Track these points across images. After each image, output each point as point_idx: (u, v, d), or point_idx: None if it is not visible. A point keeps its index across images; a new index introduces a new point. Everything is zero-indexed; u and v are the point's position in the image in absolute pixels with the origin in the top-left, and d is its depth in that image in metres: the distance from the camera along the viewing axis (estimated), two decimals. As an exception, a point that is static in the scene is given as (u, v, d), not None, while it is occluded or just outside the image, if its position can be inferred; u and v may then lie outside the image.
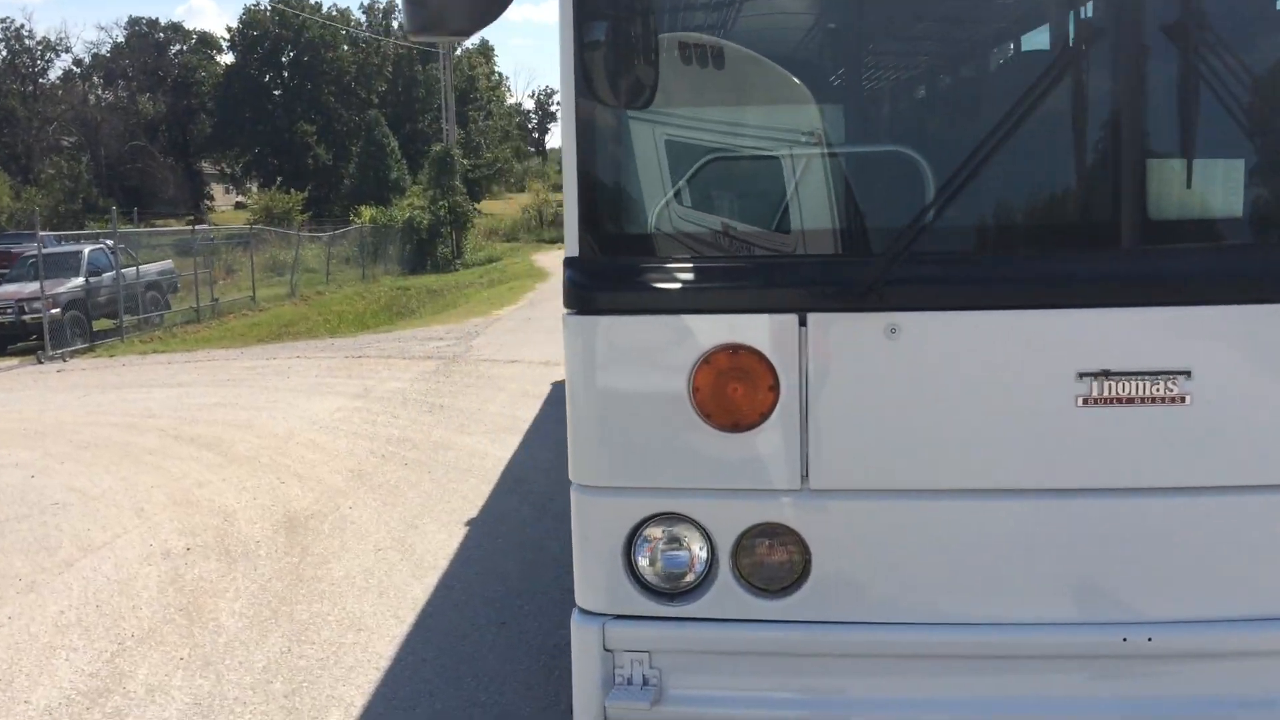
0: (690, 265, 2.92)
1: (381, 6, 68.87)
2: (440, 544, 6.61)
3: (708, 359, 2.87)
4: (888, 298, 2.77)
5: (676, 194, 3.04)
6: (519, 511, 7.27)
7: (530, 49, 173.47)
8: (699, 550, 2.99)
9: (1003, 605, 2.85)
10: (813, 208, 2.94)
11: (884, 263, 2.75)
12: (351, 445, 9.59)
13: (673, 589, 3.03)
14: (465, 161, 46.99)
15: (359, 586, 5.93)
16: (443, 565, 6.21)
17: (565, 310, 3.02)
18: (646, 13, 2.84)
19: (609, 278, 2.97)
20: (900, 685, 2.91)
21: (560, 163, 3.08)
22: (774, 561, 2.96)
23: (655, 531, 3.01)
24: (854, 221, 2.94)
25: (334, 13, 66.45)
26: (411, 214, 37.16)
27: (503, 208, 62.03)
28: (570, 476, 3.07)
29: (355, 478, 8.41)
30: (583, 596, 3.09)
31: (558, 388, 12.29)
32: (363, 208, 39.22)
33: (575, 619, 3.09)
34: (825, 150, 2.97)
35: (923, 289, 2.79)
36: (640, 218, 3.03)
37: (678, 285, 2.90)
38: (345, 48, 64.65)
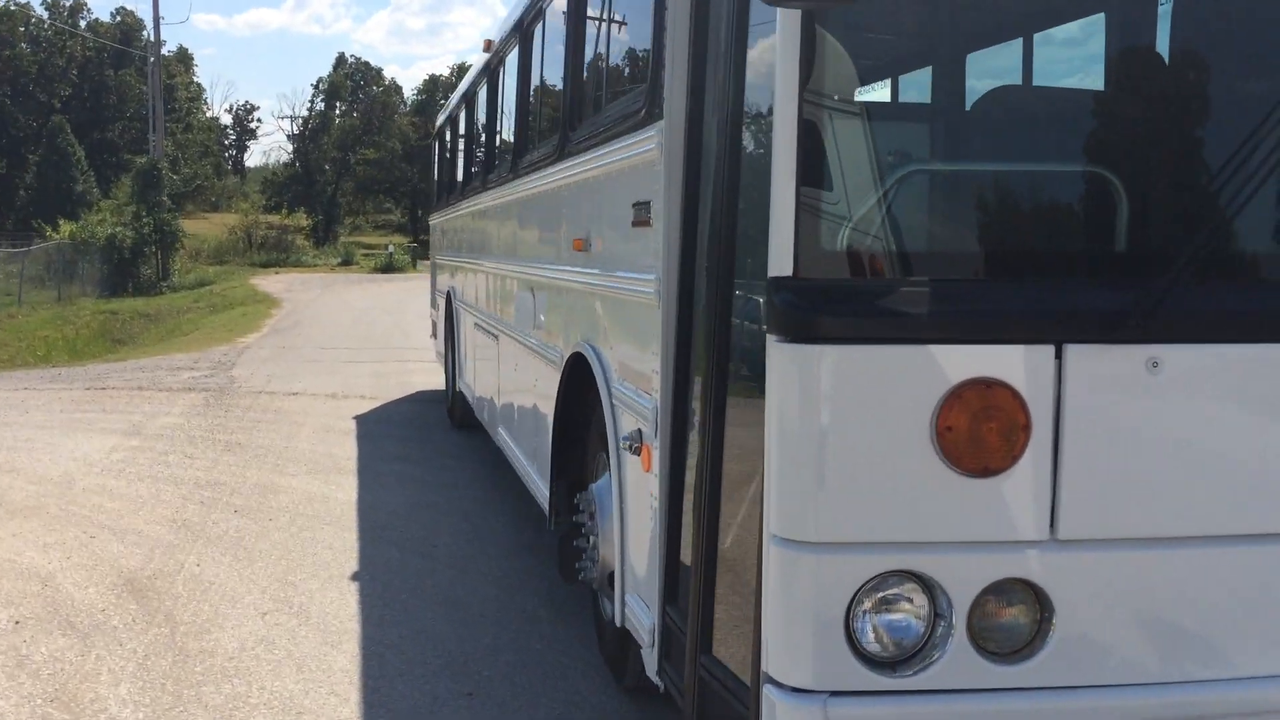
0: (933, 287, 2.58)
1: (67, 5, 62.98)
2: (335, 604, 5.81)
3: (957, 395, 2.53)
4: (1152, 329, 2.55)
5: (915, 204, 2.70)
6: (406, 562, 6.55)
7: (221, 59, 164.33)
8: (929, 612, 2.64)
9: (1268, 657, 2.67)
10: (1071, 228, 2.68)
11: (1156, 290, 2.52)
12: (155, 491, 8.39)
13: (896, 657, 2.65)
14: (174, 176, 43.62)
15: (267, 660, 5.07)
16: (355, 629, 5.44)
17: (774, 337, 2.60)
18: None
19: (837, 300, 2.58)
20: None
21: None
22: (1009, 621, 2.66)
23: (882, 592, 2.63)
24: (1117, 245, 2.69)
25: (12, 8, 60.12)
26: (114, 231, 34.01)
27: (205, 227, 58.03)
28: (772, 530, 2.64)
29: (182, 529, 7.32)
30: (784, 669, 2.66)
31: (363, 422, 11.39)
32: (62, 222, 35.44)
33: (776, 697, 2.65)
34: (1086, 168, 2.72)
35: (1190, 320, 2.58)
36: (872, 230, 2.66)
37: (922, 310, 2.55)
38: (24, 45, 58.59)
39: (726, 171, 3.05)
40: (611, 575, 4.57)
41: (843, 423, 2.58)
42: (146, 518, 7.61)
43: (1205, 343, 2.60)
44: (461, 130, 9.95)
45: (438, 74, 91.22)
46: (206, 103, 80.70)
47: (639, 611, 3.84)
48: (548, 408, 5.42)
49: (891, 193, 2.67)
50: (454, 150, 10.97)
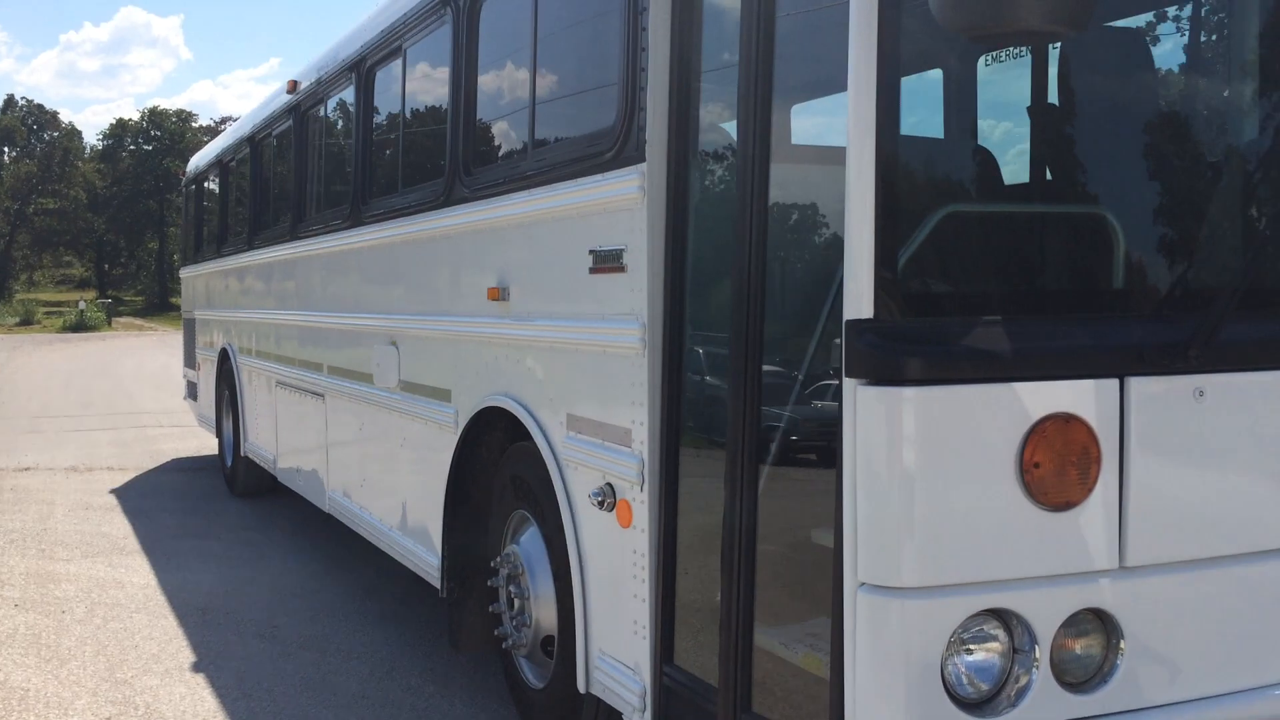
0: (1009, 325, 2.64)
1: None
2: (188, 700, 5.18)
3: (1040, 431, 2.60)
4: (1202, 359, 2.71)
5: (986, 242, 2.74)
6: (250, 646, 5.95)
7: None
8: (1009, 648, 2.67)
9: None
10: (1126, 263, 2.81)
11: (1207, 323, 2.69)
12: (-100, 592, 7.24)
13: (983, 698, 2.66)
14: None
15: (136, 772, 4.45)
16: (228, 727, 4.88)
17: (856, 380, 2.58)
18: None
19: (921, 341, 2.59)
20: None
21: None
22: (1085, 651, 2.73)
23: (971, 632, 2.63)
24: (1173, 278, 2.85)
25: None
26: None
27: None
28: (861, 579, 2.59)
29: (-43, 631, 6.35)
30: (877, 723, 2.60)
31: (124, 496, 10.34)
32: None
33: (872, 755, 2.59)
34: (1154, 208, 2.86)
35: (1229, 350, 2.77)
36: (945, 269, 2.69)
37: (1003, 347, 2.61)
38: None
39: (752, 217, 3.00)
40: (548, 639, 4.34)
41: (931, 464, 2.57)
42: (-95, 622, 6.55)
43: (1241, 370, 2.79)
44: (246, 175, 9.32)
45: (125, 118, 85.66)
46: None
47: (620, 676, 3.66)
48: (433, 469, 5.11)
49: (964, 231, 2.71)
50: (228, 198, 10.26)
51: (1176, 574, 2.76)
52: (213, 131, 67.63)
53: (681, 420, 3.45)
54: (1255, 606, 2.84)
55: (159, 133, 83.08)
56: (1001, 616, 2.65)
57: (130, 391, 20.31)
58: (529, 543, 4.45)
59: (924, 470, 2.56)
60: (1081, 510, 2.66)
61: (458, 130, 4.85)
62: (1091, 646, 2.73)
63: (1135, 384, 2.69)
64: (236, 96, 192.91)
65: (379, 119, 6.20)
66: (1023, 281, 2.84)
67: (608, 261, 3.66)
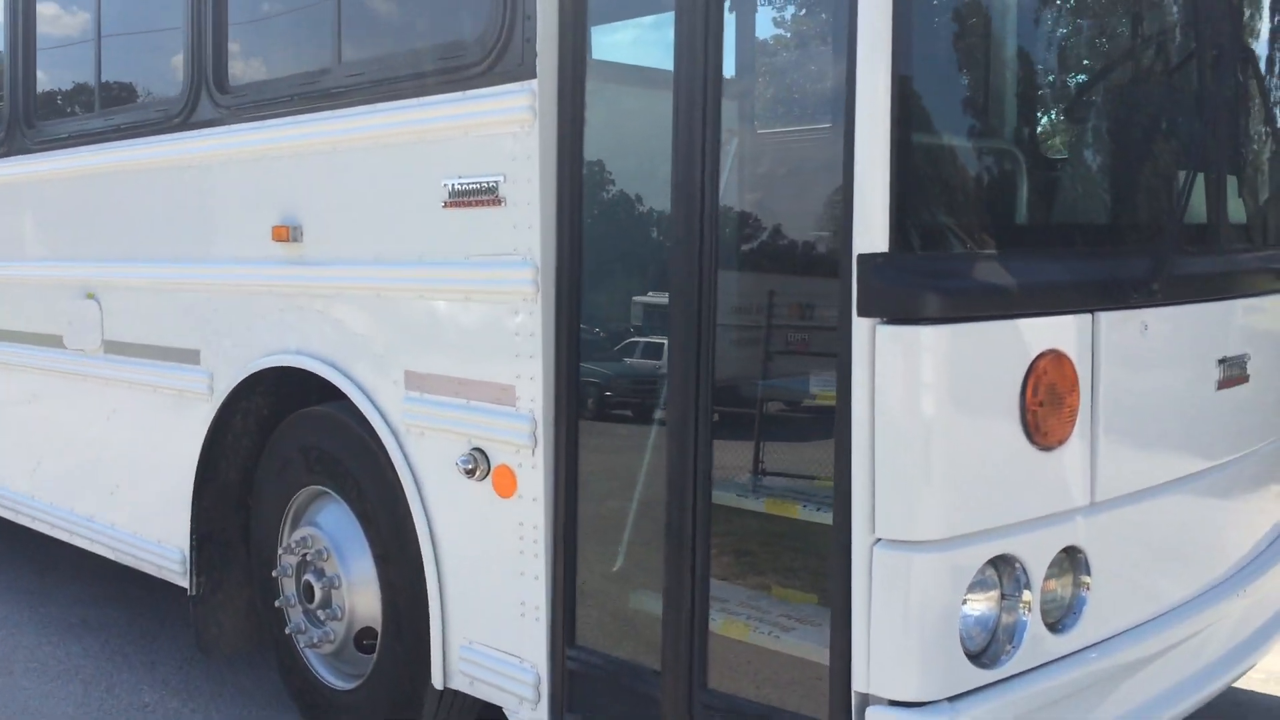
0: (1012, 259, 2.57)
1: None
2: None
3: (1038, 369, 2.55)
4: (1158, 294, 2.78)
5: (989, 174, 2.61)
6: None
7: None
8: (998, 594, 2.62)
9: (1202, 577, 3.07)
10: (1101, 200, 2.79)
11: (1166, 258, 2.76)
12: None
13: (980, 649, 2.59)
14: None
15: None
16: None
17: (871, 320, 2.39)
18: None
19: (940, 276, 2.45)
20: (1165, 676, 2.91)
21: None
22: (1061, 591, 2.74)
23: (978, 582, 2.55)
24: (1136, 216, 2.87)
25: None
26: None
27: None
28: (879, 533, 2.43)
29: None
30: (895, 685, 2.47)
31: None
32: None
33: (893, 716, 2.43)
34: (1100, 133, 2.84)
35: (1173, 285, 2.85)
36: (964, 201, 2.54)
37: (1008, 282, 2.53)
38: None
39: (705, 144, 2.68)
40: (365, 632, 3.77)
41: (949, 408, 2.43)
42: None
43: (1172, 304, 2.88)
44: None
45: None
46: None
47: (501, 666, 3.22)
48: (170, 446, 4.28)
49: (977, 162, 2.56)
50: None
51: (1133, 504, 2.83)
52: None
53: (578, 376, 3.07)
54: (1199, 520, 2.99)
55: None
56: (997, 563, 2.57)
57: None
58: (333, 524, 3.83)
59: (942, 414, 2.42)
60: (1065, 448, 2.63)
61: (205, 28, 4.00)
62: (1065, 585, 2.73)
63: (1104, 319, 2.69)
64: None
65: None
66: (1012, 216, 2.75)
67: (474, 196, 3.16)
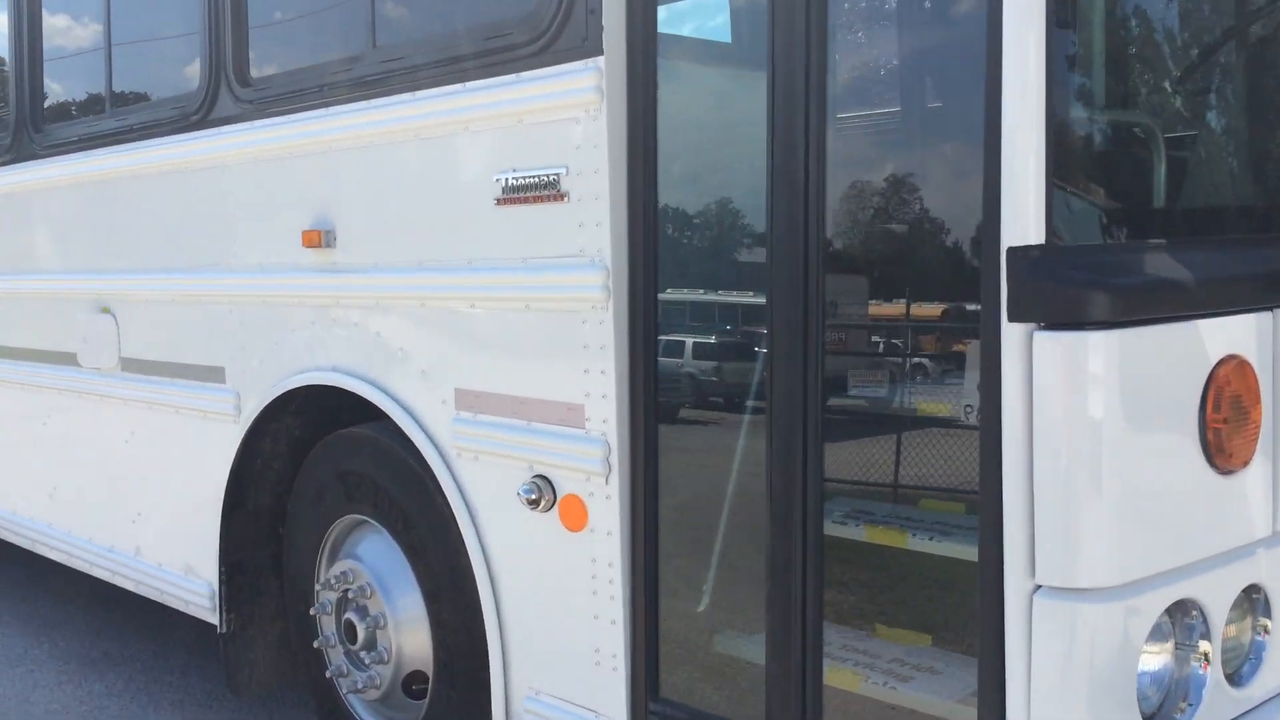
0: (1186, 251, 2.16)
1: None
2: None
3: (1217, 379, 2.15)
4: None
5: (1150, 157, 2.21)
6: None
7: None
8: (1173, 643, 2.22)
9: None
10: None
11: None
12: None
13: (1154, 709, 2.20)
14: None
15: None
16: None
17: (1027, 325, 2.00)
18: None
19: (1108, 271, 2.05)
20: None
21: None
22: (1240, 637, 2.34)
23: (1158, 631, 2.15)
24: None
25: None
26: None
27: None
28: (1039, 579, 2.04)
29: None
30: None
31: None
32: None
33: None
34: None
35: None
36: (1127, 185, 2.14)
37: (1184, 277, 2.14)
38: None
39: (810, 130, 2.30)
40: (413, 676, 3.41)
41: (1119, 430, 2.05)
42: None
43: None
44: None
45: None
46: None
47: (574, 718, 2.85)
48: (194, 470, 3.93)
49: (1141, 137, 2.17)
50: None
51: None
52: None
53: (657, 393, 2.69)
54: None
55: None
56: (1172, 609, 2.18)
57: None
58: (375, 556, 3.46)
59: (1113, 437, 2.03)
60: (1247, 472, 2.24)
61: (223, 18, 3.64)
62: (1244, 630, 2.35)
63: None
64: None
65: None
66: (1178, 200, 2.36)
67: (532, 191, 2.78)
